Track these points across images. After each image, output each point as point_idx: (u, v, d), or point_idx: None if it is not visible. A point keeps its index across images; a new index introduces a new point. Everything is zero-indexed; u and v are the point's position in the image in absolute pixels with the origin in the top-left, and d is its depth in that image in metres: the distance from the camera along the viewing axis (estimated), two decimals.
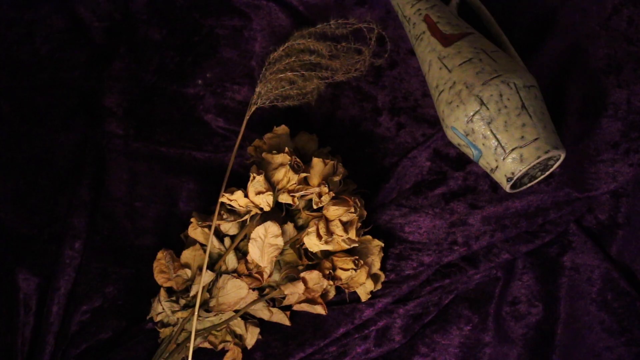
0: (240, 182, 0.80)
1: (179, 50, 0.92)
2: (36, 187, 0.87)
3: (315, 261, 0.80)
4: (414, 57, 0.88)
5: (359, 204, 0.79)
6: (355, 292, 0.81)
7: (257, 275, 0.78)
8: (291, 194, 0.77)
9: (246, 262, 0.79)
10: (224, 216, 0.79)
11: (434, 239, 0.82)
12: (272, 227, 0.76)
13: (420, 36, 0.80)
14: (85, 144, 0.89)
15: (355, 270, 0.78)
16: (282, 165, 0.77)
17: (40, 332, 0.82)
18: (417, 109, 0.88)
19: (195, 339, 0.79)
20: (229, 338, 0.80)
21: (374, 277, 0.81)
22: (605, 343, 0.81)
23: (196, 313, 0.76)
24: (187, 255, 0.80)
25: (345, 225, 0.77)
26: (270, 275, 0.78)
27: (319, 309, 0.79)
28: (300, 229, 0.80)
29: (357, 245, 0.79)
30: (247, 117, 0.81)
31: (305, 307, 0.79)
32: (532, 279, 0.83)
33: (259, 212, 0.77)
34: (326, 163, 0.78)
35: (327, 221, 0.78)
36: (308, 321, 0.82)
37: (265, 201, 0.76)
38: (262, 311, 0.80)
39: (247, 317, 0.81)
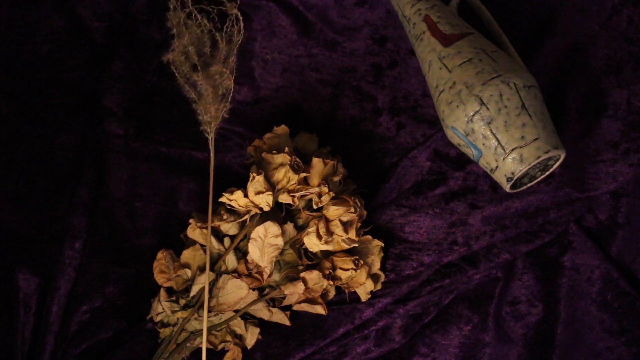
0: (240, 182, 0.80)
1: None
2: (36, 187, 0.87)
3: (315, 261, 0.80)
4: (414, 57, 0.88)
5: (359, 204, 0.79)
6: (355, 292, 0.81)
7: (257, 275, 0.78)
8: (291, 194, 0.77)
9: (246, 262, 0.79)
10: (224, 216, 0.79)
11: (434, 239, 0.82)
12: (272, 227, 0.76)
13: (420, 36, 0.80)
14: (85, 144, 0.89)
15: (355, 270, 0.78)
16: (282, 165, 0.77)
17: (40, 332, 0.82)
18: (417, 109, 0.88)
19: (195, 339, 0.79)
20: (229, 338, 0.80)
21: (374, 277, 0.81)
22: (605, 343, 0.81)
23: (205, 318, 0.76)
24: (187, 255, 0.80)
25: (345, 225, 0.78)
26: (270, 275, 0.78)
27: (319, 309, 0.79)
28: (300, 229, 0.80)
29: (357, 245, 0.79)
30: (212, 145, 0.78)
31: (305, 307, 0.79)
32: (532, 279, 0.83)
33: (258, 212, 0.77)
34: (326, 163, 0.78)
35: (327, 221, 0.78)
36: (308, 321, 0.82)
37: (265, 201, 0.76)
38: (262, 311, 0.80)
39: (247, 317, 0.81)
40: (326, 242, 0.77)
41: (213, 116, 0.76)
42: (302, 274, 0.77)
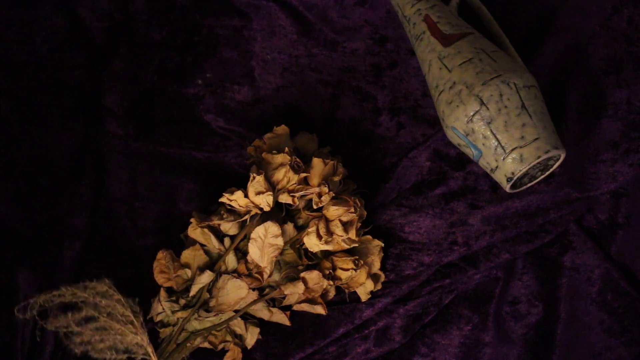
0: (240, 182, 0.80)
1: (179, 50, 0.92)
2: (36, 187, 0.87)
3: (315, 261, 0.80)
4: (414, 57, 0.88)
5: (359, 204, 0.79)
6: (355, 292, 0.81)
7: (257, 275, 0.78)
8: (291, 194, 0.77)
9: (246, 262, 0.79)
10: (224, 216, 0.79)
11: (434, 239, 0.82)
12: (272, 227, 0.76)
13: (420, 36, 0.80)
14: (85, 144, 0.89)
15: (355, 270, 0.78)
16: (282, 165, 0.77)
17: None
18: (417, 109, 0.88)
19: (195, 339, 0.79)
20: (229, 338, 0.80)
21: (374, 277, 0.81)
22: (605, 343, 0.82)
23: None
24: (187, 255, 0.80)
25: (345, 225, 0.77)
26: (270, 275, 0.78)
27: (319, 309, 0.79)
28: (300, 229, 0.80)
29: (357, 245, 0.79)
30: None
31: (305, 307, 0.79)
32: (532, 279, 0.83)
33: (259, 212, 0.77)
34: (326, 163, 0.78)
35: (327, 221, 0.78)
36: (308, 321, 0.82)
37: (265, 201, 0.76)
38: (262, 311, 0.80)
39: (247, 317, 0.81)
40: (326, 242, 0.77)
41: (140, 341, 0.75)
42: (302, 274, 0.77)
